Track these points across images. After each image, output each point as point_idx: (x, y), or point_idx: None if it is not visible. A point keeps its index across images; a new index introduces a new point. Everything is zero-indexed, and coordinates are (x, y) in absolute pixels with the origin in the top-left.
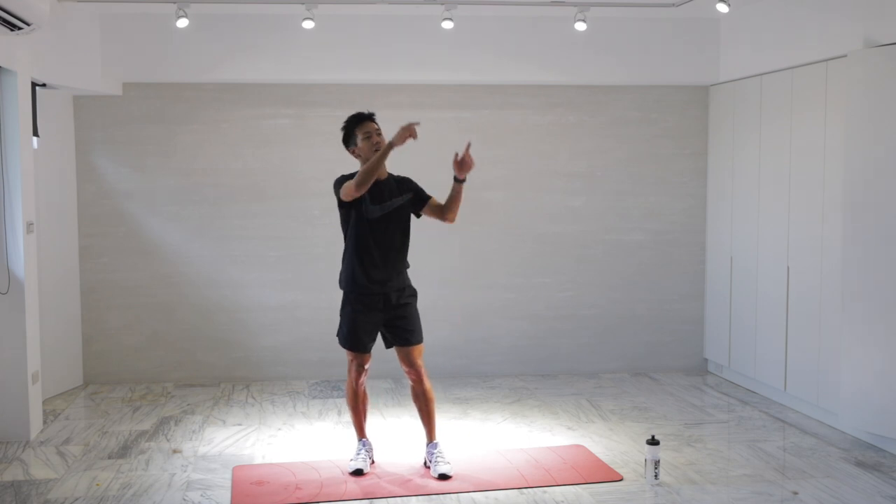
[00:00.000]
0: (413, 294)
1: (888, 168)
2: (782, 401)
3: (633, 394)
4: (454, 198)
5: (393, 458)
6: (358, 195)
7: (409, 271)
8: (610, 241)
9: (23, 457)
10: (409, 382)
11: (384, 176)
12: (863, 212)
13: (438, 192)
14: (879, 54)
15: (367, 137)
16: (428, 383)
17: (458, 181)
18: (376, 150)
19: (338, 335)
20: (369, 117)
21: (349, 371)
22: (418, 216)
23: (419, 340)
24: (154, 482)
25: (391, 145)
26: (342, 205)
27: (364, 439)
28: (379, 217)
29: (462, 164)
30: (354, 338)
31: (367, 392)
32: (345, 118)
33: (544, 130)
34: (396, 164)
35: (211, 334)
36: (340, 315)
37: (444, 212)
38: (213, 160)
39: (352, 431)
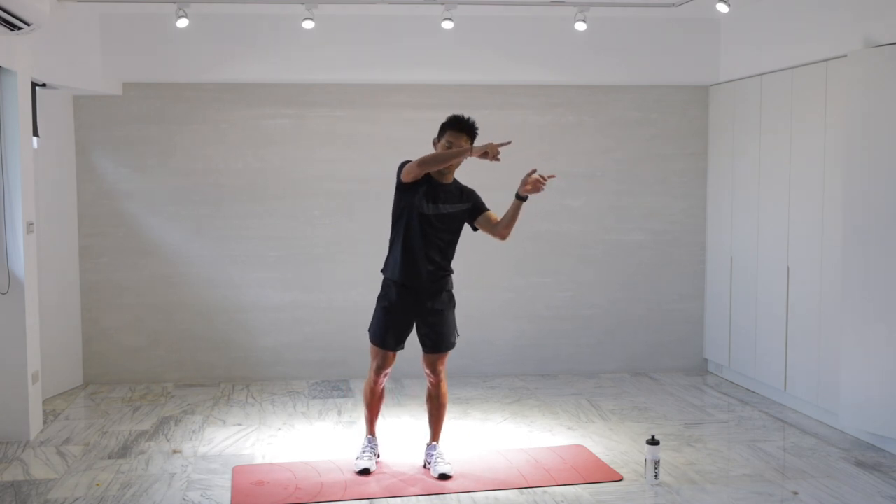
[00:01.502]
0: (450, 300)
1: (888, 168)
2: (782, 401)
3: (633, 394)
4: (512, 215)
5: (393, 459)
6: (414, 175)
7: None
8: (610, 241)
9: (23, 457)
10: (427, 385)
11: (448, 180)
12: (863, 212)
13: None
14: (879, 54)
15: (449, 146)
16: (445, 388)
17: (520, 198)
18: None
19: (369, 329)
20: (467, 130)
21: (370, 368)
22: (475, 228)
23: (447, 349)
24: (154, 482)
25: (469, 149)
26: (399, 188)
27: (371, 436)
28: (431, 215)
29: (533, 185)
30: (382, 333)
31: (385, 393)
32: (345, 118)
33: (544, 130)
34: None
35: (211, 334)
36: (374, 309)
37: (499, 227)
38: (213, 160)
39: (351, 431)
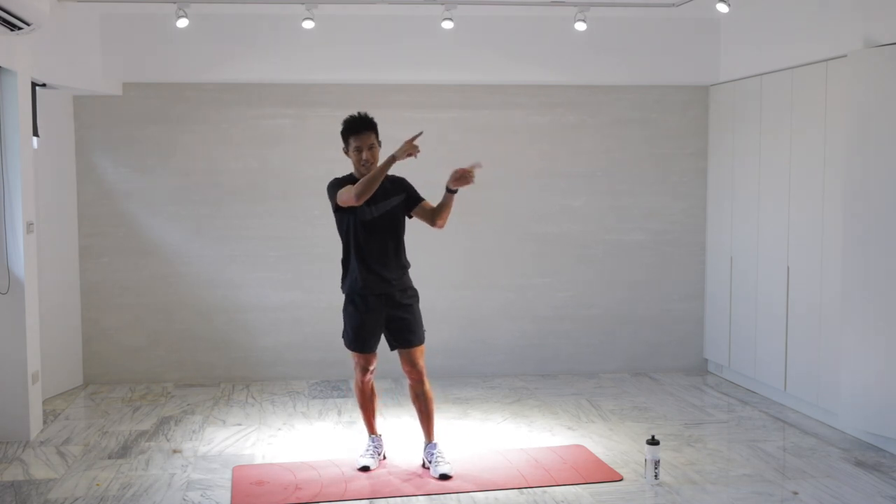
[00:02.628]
0: (414, 295)
1: (888, 168)
2: (782, 401)
3: (633, 394)
4: (444, 206)
5: (393, 459)
6: (358, 205)
7: (411, 272)
8: (610, 241)
9: (23, 457)
10: (409, 383)
11: None
12: (863, 212)
13: (437, 190)
14: (879, 54)
15: (357, 151)
16: (428, 384)
17: (450, 191)
18: (363, 166)
19: (343, 337)
20: (365, 126)
21: (355, 371)
22: (410, 216)
23: (420, 342)
24: (154, 482)
25: (393, 158)
26: (336, 209)
27: (374, 436)
28: (374, 219)
29: (461, 179)
30: (358, 339)
31: (375, 390)
32: (344, 118)
33: (544, 130)
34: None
35: (211, 334)
36: (343, 317)
37: (434, 217)
38: (213, 160)
39: (351, 431)
